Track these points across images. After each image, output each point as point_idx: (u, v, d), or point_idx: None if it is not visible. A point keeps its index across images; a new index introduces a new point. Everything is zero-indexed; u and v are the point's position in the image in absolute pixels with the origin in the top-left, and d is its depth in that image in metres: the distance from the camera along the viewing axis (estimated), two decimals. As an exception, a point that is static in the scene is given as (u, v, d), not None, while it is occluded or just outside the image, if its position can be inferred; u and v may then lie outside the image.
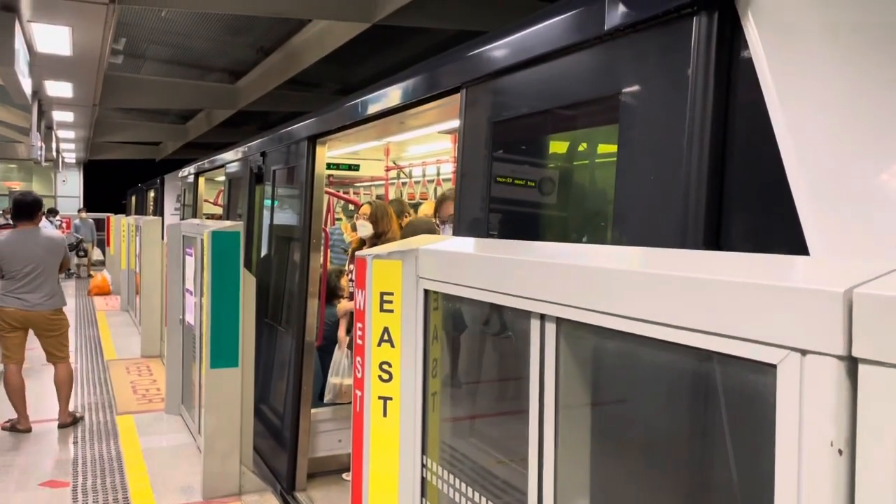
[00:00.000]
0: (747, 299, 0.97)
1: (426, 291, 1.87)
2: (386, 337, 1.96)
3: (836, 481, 0.87)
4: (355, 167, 8.14)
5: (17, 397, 5.91)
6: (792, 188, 1.50)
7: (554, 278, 1.35)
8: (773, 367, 0.95)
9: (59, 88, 10.22)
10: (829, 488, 0.88)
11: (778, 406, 0.94)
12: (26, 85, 7.70)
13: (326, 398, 5.22)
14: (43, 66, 8.49)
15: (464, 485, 1.78)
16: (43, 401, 6.55)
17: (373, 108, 3.77)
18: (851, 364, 0.86)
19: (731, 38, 1.69)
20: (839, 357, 0.86)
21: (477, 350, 2.04)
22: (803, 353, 0.91)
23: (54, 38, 7.32)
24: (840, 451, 0.87)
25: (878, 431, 0.83)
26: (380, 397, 1.97)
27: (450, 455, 1.91)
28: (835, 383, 0.87)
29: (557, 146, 2.47)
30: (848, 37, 1.63)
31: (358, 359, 2.04)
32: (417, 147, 6.97)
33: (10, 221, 6.92)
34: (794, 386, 0.92)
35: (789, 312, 0.92)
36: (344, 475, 4.97)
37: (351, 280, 5.33)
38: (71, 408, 6.20)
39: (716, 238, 1.66)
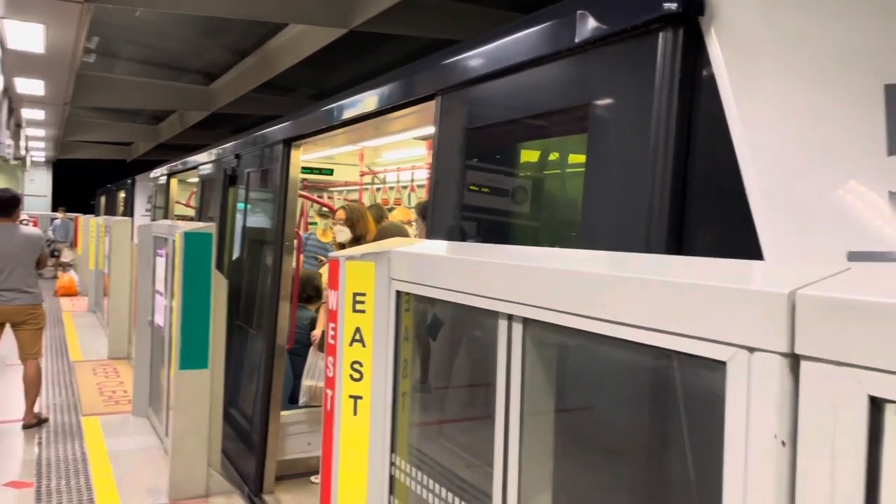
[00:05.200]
0: (700, 300, 1.03)
1: (398, 293, 1.92)
2: (358, 337, 2.00)
3: (778, 471, 0.93)
4: (329, 171, 8.15)
5: None
6: (748, 196, 1.57)
7: (520, 280, 1.40)
8: (724, 364, 1.01)
9: (30, 86, 10.10)
10: (772, 478, 0.94)
11: (727, 401, 1.00)
12: (-4, 81, 7.61)
13: (301, 400, 5.22)
14: (14, 63, 8.40)
15: (431, 481, 1.82)
16: (7, 401, 6.46)
17: (348, 113, 3.81)
18: (794, 361, 0.92)
19: (694, 53, 1.76)
20: (783, 354, 0.92)
21: (447, 352, 2.08)
22: (751, 350, 0.97)
23: (27, 36, 7.25)
24: (783, 443, 0.93)
25: (817, 423, 0.89)
26: (350, 396, 2.01)
27: (418, 454, 1.95)
28: (778, 379, 0.93)
29: (529, 154, 2.53)
30: (806, 54, 1.71)
31: (330, 358, 2.07)
32: (392, 153, 7.01)
33: None
34: (743, 382, 0.98)
35: (738, 312, 0.98)
36: (312, 478, 4.97)
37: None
38: (36, 409, 6.12)
39: (678, 243, 1.73)
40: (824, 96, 1.68)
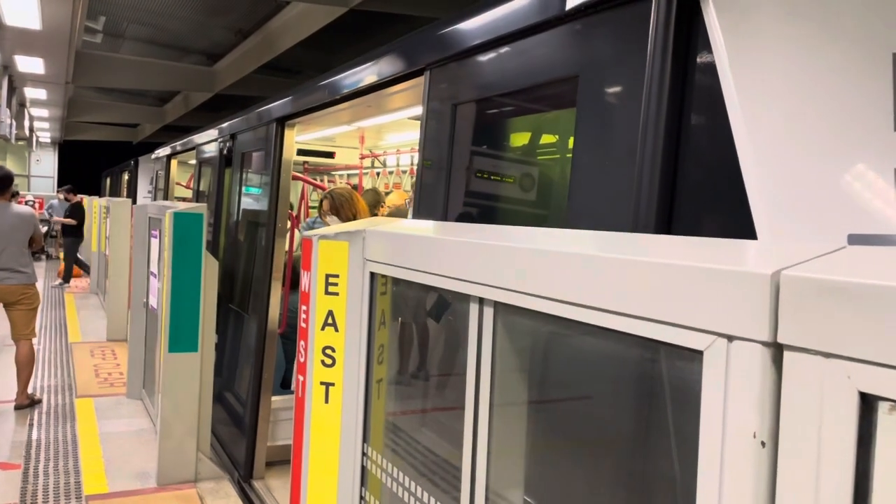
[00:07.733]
0: (674, 281, 0.92)
1: (372, 274, 1.81)
2: (330, 321, 1.90)
3: (757, 474, 0.83)
4: (330, 154, 8.04)
5: None
6: (744, 175, 1.46)
7: (488, 260, 1.29)
8: (700, 353, 0.90)
9: (29, 64, 10.00)
10: (750, 482, 0.83)
11: (703, 395, 0.89)
12: (-7, 58, 7.51)
13: (293, 386, 5.14)
14: (12, 39, 8.29)
15: (402, 474, 1.72)
16: (2, 381, 6.41)
17: (339, 90, 3.70)
18: (777, 351, 0.81)
19: (689, 21, 1.64)
20: (764, 343, 0.81)
21: (423, 338, 1.99)
22: (730, 339, 0.86)
23: (23, 11, 7.13)
24: (763, 444, 0.82)
25: (801, 423, 0.78)
26: (322, 383, 1.91)
27: (391, 443, 1.86)
28: (759, 371, 0.82)
29: (518, 129, 2.42)
30: (805, 24, 1.59)
31: (301, 343, 1.98)
32: (393, 135, 6.89)
33: None
34: (720, 374, 0.87)
35: (716, 296, 0.87)
36: (304, 464, 4.90)
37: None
38: (30, 390, 6.07)
39: (667, 224, 1.62)
40: (828, 67, 1.56)
